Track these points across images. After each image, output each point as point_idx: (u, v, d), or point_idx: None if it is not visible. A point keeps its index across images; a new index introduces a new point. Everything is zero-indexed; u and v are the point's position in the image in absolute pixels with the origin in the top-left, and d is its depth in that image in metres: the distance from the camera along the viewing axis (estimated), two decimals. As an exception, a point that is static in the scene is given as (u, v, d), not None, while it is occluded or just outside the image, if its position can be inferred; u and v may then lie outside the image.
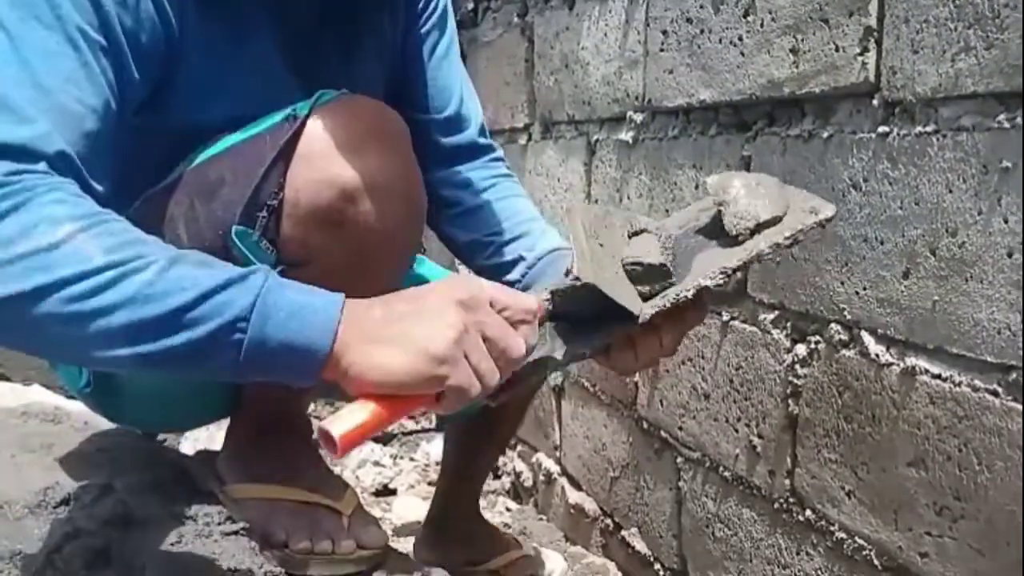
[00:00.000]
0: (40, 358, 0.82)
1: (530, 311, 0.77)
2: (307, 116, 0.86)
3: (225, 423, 1.18)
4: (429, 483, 2.18)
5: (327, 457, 1.02)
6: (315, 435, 0.79)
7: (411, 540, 1.83)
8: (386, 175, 0.85)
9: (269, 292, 0.69)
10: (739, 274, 0.85)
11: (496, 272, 1.11)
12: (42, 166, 0.69)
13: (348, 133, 0.86)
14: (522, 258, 1.12)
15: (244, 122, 0.90)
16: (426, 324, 0.72)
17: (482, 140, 1.22)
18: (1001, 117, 0.83)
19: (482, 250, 1.15)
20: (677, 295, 0.85)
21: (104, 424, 1.33)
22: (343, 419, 0.73)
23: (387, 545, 1.08)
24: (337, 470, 1.82)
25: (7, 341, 0.71)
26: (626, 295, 0.85)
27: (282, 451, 1.10)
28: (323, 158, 0.83)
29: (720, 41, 1.23)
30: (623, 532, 1.60)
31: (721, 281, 0.86)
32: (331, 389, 0.79)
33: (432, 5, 1.16)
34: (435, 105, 1.17)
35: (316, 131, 0.85)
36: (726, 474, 1.29)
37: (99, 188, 0.74)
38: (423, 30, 1.15)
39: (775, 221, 0.88)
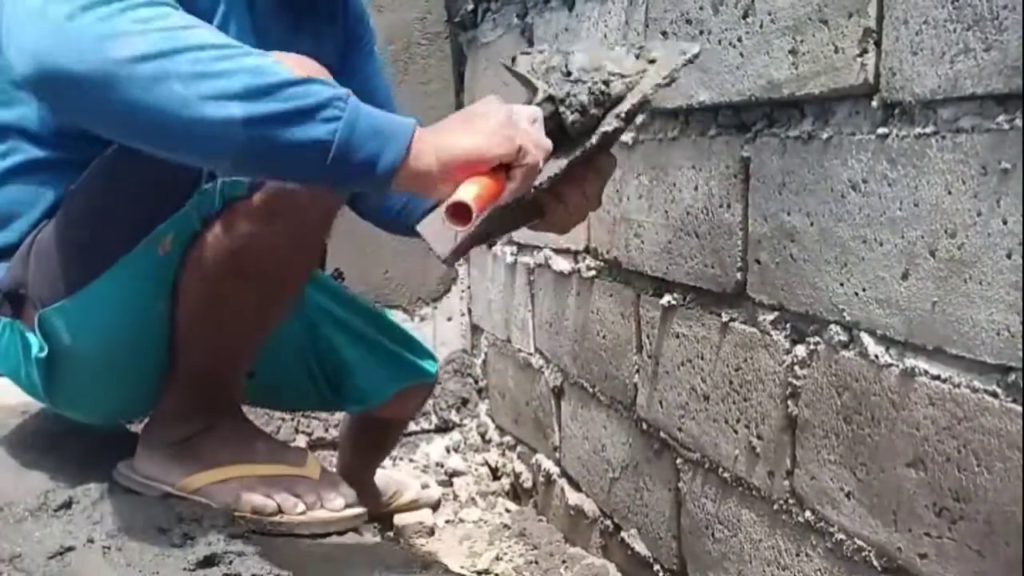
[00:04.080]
0: (147, 124, 0.82)
1: (537, 114, 0.96)
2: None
3: None
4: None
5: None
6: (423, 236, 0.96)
7: (411, 539, 1.84)
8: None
9: (355, 98, 0.83)
10: (633, 118, 1.03)
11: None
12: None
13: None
14: None
15: None
16: (479, 115, 0.90)
17: None
18: (1000, 118, 0.83)
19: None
20: (584, 146, 0.98)
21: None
22: (464, 192, 0.85)
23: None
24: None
25: (135, 99, 0.79)
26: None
27: (226, 435, 1.13)
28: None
29: (719, 42, 1.23)
30: (622, 533, 1.60)
31: (619, 125, 0.99)
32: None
33: (367, 34, 1.37)
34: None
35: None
36: (725, 475, 1.29)
37: None
38: (360, 53, 1.35)
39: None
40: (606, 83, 1.01)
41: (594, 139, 0.99)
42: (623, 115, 1.00)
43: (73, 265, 1.05)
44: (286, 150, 0.80)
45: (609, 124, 1.00)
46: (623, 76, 1.02)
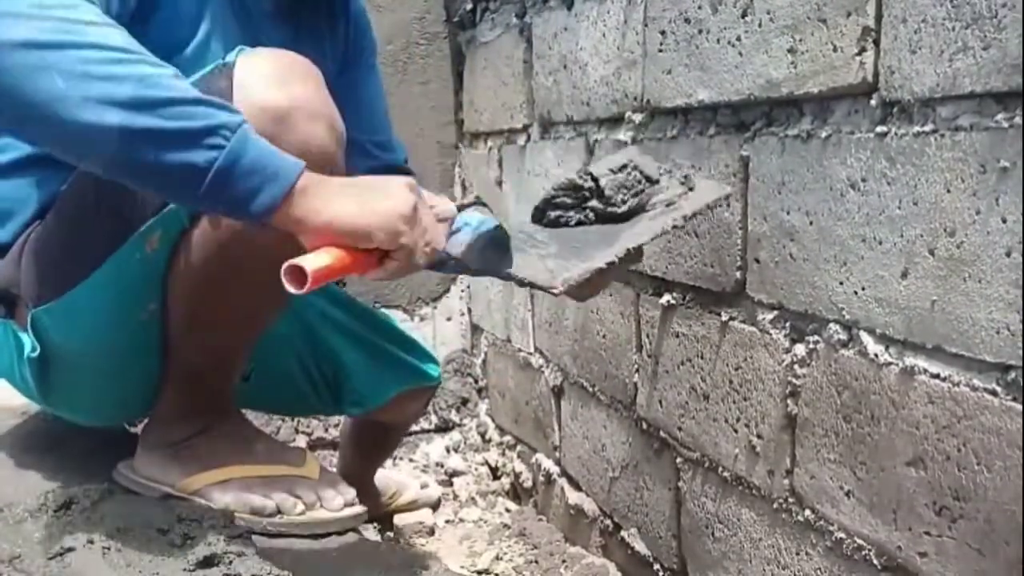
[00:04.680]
0: (20, 114, 0.77)
1: (451, 214, 1.01)
2: (235, 61, 0.94)
3: None
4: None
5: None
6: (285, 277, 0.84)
7: (411, 539, 1.84)
8: (310, 103, 0.94)
9: (249, 127, 0.80)
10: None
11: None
12: None
13: (273, 69, 0.94)
14: (467, 224, 1.31)
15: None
16: (384, 193, 0.87)
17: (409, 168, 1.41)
18: (999, 117, 0.83)
19: None
20: (589, 268, 1.03)
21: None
22: (311, 259, 0.82)
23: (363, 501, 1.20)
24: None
25: (10, 86, 0.75)
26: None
27: (225, 436, 1.13)
28: (253, 88, 0.90)
29: (718, 41, 1.23)
30: (622, 532, 1.60)
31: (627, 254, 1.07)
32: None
33: (369, 48, 1.36)
34: (371, 128, 1.35)
35: (246, 69, 0.92)
36: (725, 474, 1.29)
37: None
38: (361, 67, 1.33)
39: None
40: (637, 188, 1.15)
41: (603, 263, 1.06)
42: (639, 246, 1.09)
43: (63, 265, 1.03)
44: (159, 168, 0.78)
45: (621, 251, 1.06)
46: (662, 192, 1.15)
